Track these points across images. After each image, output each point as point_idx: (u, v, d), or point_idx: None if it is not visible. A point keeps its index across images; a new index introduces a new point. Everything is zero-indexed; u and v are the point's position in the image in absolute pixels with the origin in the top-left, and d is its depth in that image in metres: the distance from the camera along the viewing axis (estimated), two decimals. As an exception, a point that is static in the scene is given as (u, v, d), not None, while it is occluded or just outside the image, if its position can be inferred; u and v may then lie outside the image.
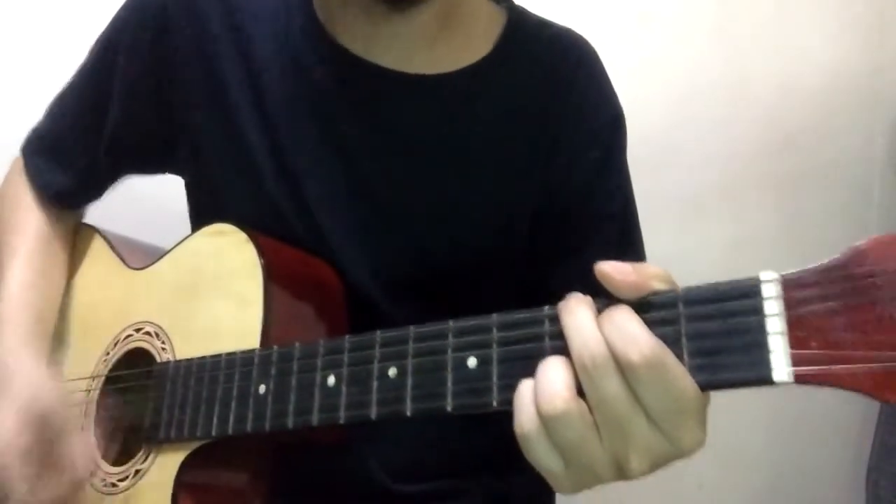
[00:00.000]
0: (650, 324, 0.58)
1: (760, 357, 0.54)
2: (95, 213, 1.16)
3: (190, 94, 1.01)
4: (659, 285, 0.59)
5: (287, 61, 0.98)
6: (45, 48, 1.50)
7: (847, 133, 1.87)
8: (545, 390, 0.59)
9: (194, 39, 1.00)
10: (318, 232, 0.97)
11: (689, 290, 0.58)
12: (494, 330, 0.65)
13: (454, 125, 0.98)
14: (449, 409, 0.66)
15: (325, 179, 0.97)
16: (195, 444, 0.86)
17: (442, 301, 0.91)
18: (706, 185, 1.80)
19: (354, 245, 0.97)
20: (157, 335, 0.95)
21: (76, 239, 1.14)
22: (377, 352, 0.72)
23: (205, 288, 0.94)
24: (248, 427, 0.80)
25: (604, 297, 0.61)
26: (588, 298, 0.61)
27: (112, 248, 1.10)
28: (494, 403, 0.64)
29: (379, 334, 0.72)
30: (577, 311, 0.60)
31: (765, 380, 0.54)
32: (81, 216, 1.16)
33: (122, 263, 1.07)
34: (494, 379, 0.64)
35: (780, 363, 0.53)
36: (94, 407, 0.99)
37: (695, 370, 0.57)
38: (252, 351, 0.83)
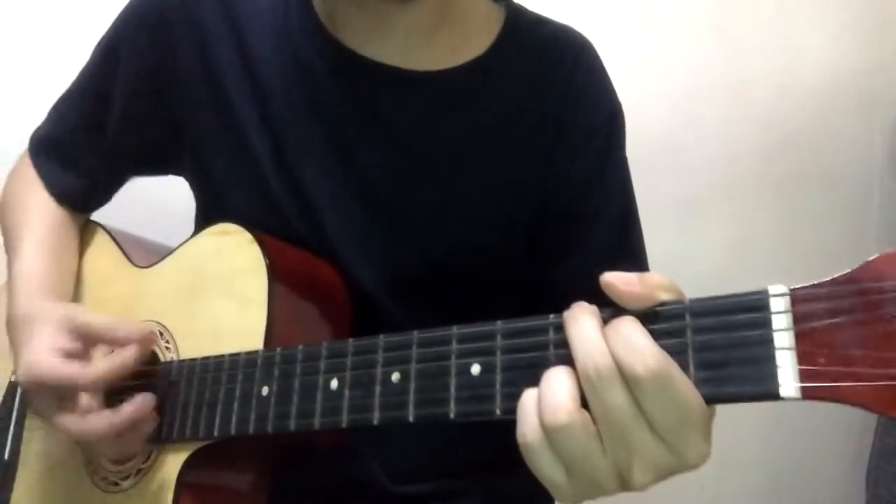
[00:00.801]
0: (656, 335, 0.57)
1: (768, 372, 0.53)
2: (101, 212, 1.16)
3: (190, 94, 1.01)
4: (665, 295, 0.59)
5: (286, 58, 0.98)
6: (45, 49, 1.50)
7: (847, 133, 1.87)
8: (549, 401, 0.59)
9: (194, 40, 1.00)
10: (320, 230, 0.97)
11: (695, 301, 0.58)
12: (499, 337, 0.65)
13: (453, 122, 0.98)
14: (452, 415, 0.66)
15: (325, 177, 0.97)
16: (198, 445, 0.86)
17: (442, 300, 0.92)
18: (706, 186, 1.80)
19: (355, 243, 0.97)
20: (161, 334, 0.95)
21: (82, 236, 1.14)
22: (380, 356, 0.72)
23: (209, 288, 0.94)
24: (251, 428, 0.80)
25: (609, 307, 0.60)
26: (593, 308, 0.61)
27: (117, 245, 1.10)
28: (498, 411, 0.64)
29: (382, 338, 0.72)
30: (581, 321, 0.60)
31: (772, 395, 0.53)
32: (88, 215, 1.16)
33: (127, 261, 1.07)
34: (498, 387, 0.64)
35: (788, 378, 0.53)
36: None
37: (700, 383, 0.56)
38: (256, 352, 0.83)
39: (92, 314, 0.92)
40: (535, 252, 1.01)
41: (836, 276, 0.53)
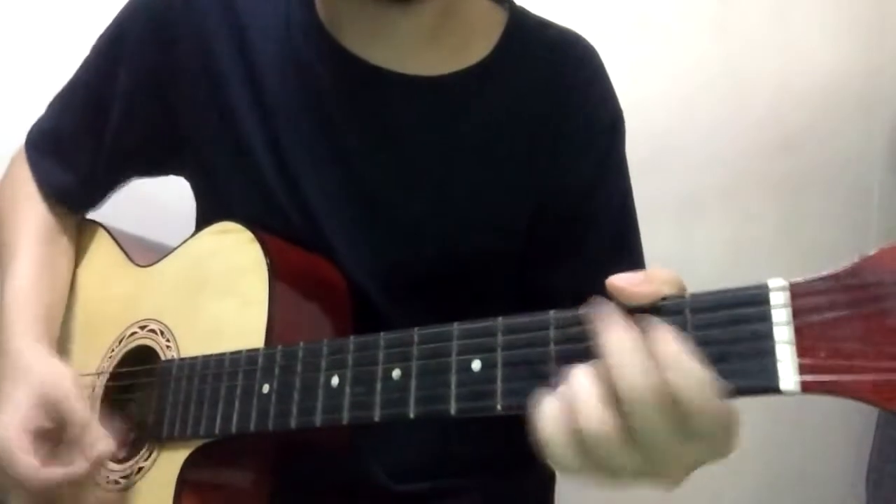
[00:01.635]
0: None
1: (767, 365, 0.54)
2: (101, 211, 1.15)
3: (190, 93, 1.01)
4: (668, 290, 0.59)
5: (287, 60, 0.98)
6: (45, 47, 1.50)
7: (847, 133, 1.87)
8: (580, 405, 0.58)
9: (195, 40, 1.00)
10: (319, 231, 0.97)
11: (696, 296, 0.58)
12: (499, 333, 0.65)
13: (453, 126, 0.98)
14: (452, 412, 0.66)
15: (325, 179, 0.97)
16: (198, 443, 0.86)
17: (441, 301, 0.92)
18: (706, 186, 1.80)
19: (353, 245, 0.97)
20: (161, 333, 0.96)
21: (81, 235, 1.14)
22: (381, 353, 0.72)
23: (210, 286, 0.94)
24: (252, 426, 0.81)
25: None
26: (622, 312, 0.59)
27: (117, 244, 1.10)
28: (499, 407, 0.64)
29: (383, 336, 0.72)
30: (618, 331, 0.58)
31: (772, 388, 0.53)
32: (84, 214, 1.16)
33: (127, 260, 1.07)
34: (499, 383, 0.64)
35: (788, 372, 0.53)
36: (98, 404, 0.99)
37: None
38: (256, 350, 0.84)
39: (71, 395, 0.91)
40: (532, 256, 1.01)
41: (836, 270, 0.53)
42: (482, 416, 0.65)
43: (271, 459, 0.91)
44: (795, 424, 1.80)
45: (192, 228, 1.05)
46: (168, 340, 0.94)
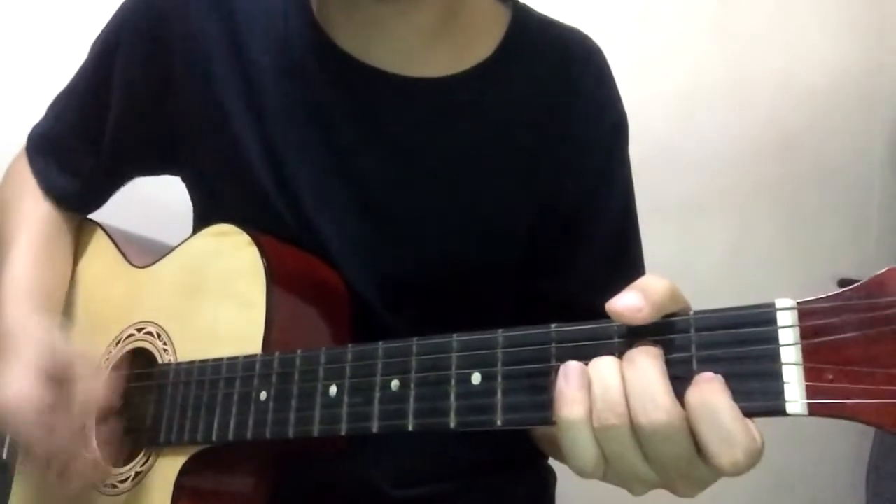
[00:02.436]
0: (661, 348, 0.57)
1: (774, 388, 0.53)
2: (100, 211, 1.15)
3: (186, 97, 1.00)
4: (670, 305, 0.58)
5: (284, 63, 0.97)
6: (45, 48, 1.49)
7: (847, 133, 1.87)
8: (605, 395, 0.58)
9: (190, 42, 0.99)
10: (317, 236, 0.96)
11: (700, 314, 0.57)
12: (500, 346, 0.64)
13: (453, 129, 0.97)
14: (452, 425, 0.66)
15: (321, 182, 0.96)
16: (195, 449, 0.86)
17: (439, 306, 0.91)
18: (706, 185, 1.80)
19: (352, 249, 0.96)
20: (158, 336, 0.95)
21: (79, 235, 1.14)
22: (380, 364, 0.71)
23: (207, 289, 0.93)
24: (249, 433, 0.80)
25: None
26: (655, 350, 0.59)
27: (115, 244, 1.09)
28: (499, 422, 0.63)
29: (382, 345, 0.72)
30: (644, 365, 0.57)
31: (778, 411, 0.53)
32: (84, 216, 1.16)
33: (124, 261, 1.06)
34: (499, 396, 0.63)
35: (795, 395, 0.52)
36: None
37: None
38: (254, 356, 0.83)
39: (69, 349, 0.91)
40: (533, 261, 1.00)
41: (844, 290, 0.52)
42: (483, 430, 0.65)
43: (269, 466, 0.91)
44: (795, 424, 1.80)
45: (191, 229, 1.05)
46: (165, 343, 0.94)
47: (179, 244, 1.00)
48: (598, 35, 1.05)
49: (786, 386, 0.53)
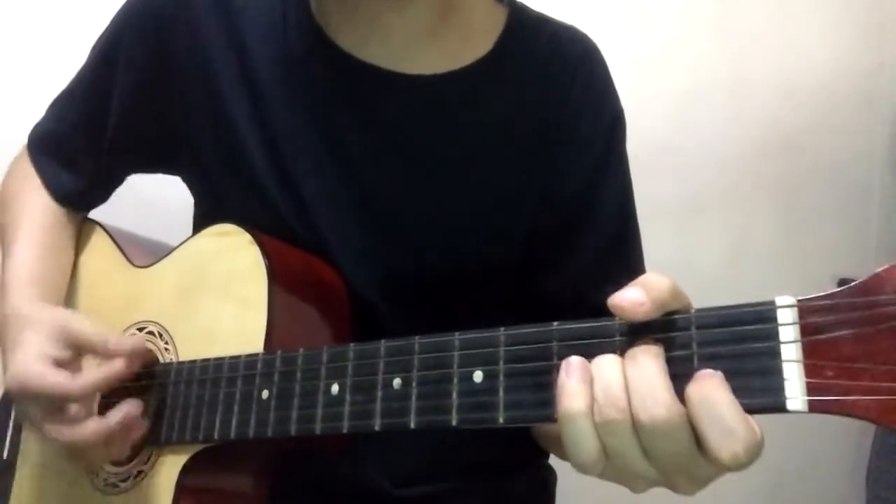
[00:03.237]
0: (662, 345, 0.57)
1: (775, 384, 0.53)
2: (100, 210, 1.15)
3: (187, 96, 1.00)
4: (672, 301, 0.59)
5: (283, 61, 0.98)
6: (45, 48, 1.49)
7: (847, 133, 1.87)
8: (607, 390, 0.58)
9: (191, 40, 0.99)
10: (317, 233, 0.96)
11: (701, 312, 0.57)
12: (502, 345, 0.64)
13: (451, 126, 0.97)
14: (454, 423, 0.66)
15: (323, 181, 0.97)
16: (197, 448, 0.86)
17: (437, 306, 0.91)
18: (706, 185, 1.80)
19: (353, 247, 0.97)
20: (160, 335, 0.95)
21: (80, 235, 1.14)
22: (381, 362, 0.71)
23: (208, 289, 0.93)
24: (251, 432, 0.80)
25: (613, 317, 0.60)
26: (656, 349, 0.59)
27: (116, 245, 1.09)
28: (501, 420, 0.63)
29: (383, 344, 0.72)
30: (645, 363, 0.58)
31: (778, 407, 0.53)
32: (86, 213, 1.16)
33: (126, 261, 1.06)
34: (501, 394, 0.64)
35: (795, 391, 0.52)
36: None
37: None
38: (256, 355, 0.83)
39: (84, 322, 0.91)
40: (533, 257, 1.00)
41: (843, 287, 0.52)
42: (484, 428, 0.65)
43: (270, 465, 0.91)
44: (795, 424, 1.79)
45: (191, 229, 1.05)
46: (166, 343, 0.94)
47: (180, 244, 1.00)
48: (597, 35, 1.05)
49: (786, 383, 0.53)
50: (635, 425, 0.57)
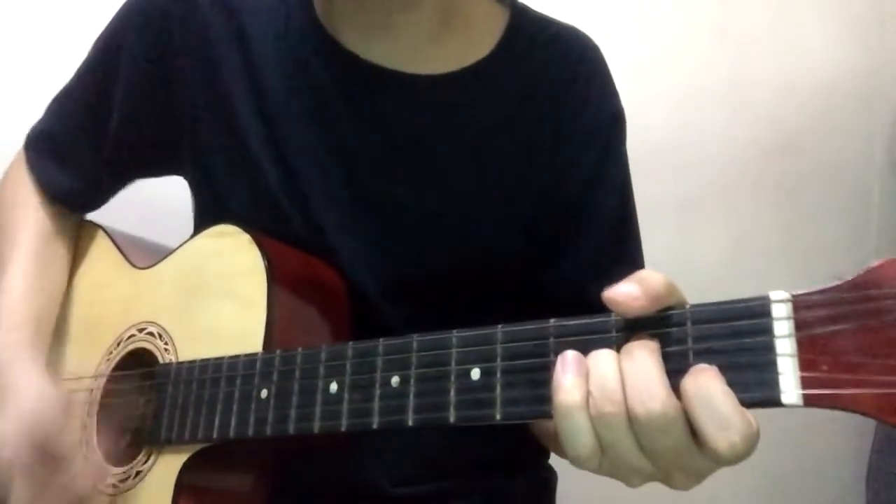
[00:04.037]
0: (658, 340, 0.58)
1: (769, 378, 0.53)
2: (101, 211, 1.15)
3: (190, 96, 1.01)
4: (667, 297, 0.59)
5: (287, 62, 0.98)
6: (45, 48, 1.50)
7: (847, 133, 1.87)
8: (603, 384, 0.58)
9: (194, 39, 1.00)
10: (318, 232, 0.96)
11: (696, 307, 0.58)
12: (499, 341, 0.65)
13: (454, 125, 0.97)
14: (452, 420, 0.66)
15: (326, 180, 0.97)
16: (196, 447, 0.86)
17: (439, 304, 0.91)
18: (706, 186, 1.80)
19: (354, 246, 0.97)
20: (159, 336, 0.95)
21: (80, 236, 1.14)
22: (380, 360, 0.71)
23: (208, 289, 0.94)
24: (250, 431, 0.80)
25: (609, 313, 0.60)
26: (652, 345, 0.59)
27: (116, 246, 1.10)
28: (498, 416, 0.64)
29: (382, 342, 0.72)
30: (641, 358, 0.58)
31: (773, 401, 0.53)
32: (84, 215, 1.16)
33: (126, 262, 1.07)
34: (498, 391, 0.64)
35: (790, 385, 0.53)
36: (96, 407, 0.98)
37: None
38: (255, 354, 0.83)
39: (62, 427, 0.90)
40: (533, 255, 1.01)
41: (838, 282, 0.52)
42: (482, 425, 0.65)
43: (269, 464, 0.91)
44: (795, 424, 1.80)
45: (192, 229, 1.05)
46: (166, 343, 0.94)
47: (180, 245, 1.01)
48: (597, 35, 1.06)
49: (780, 377, 0.53)
50: (631, 419, 0.57)
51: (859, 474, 1.74)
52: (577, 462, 0.61)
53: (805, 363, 0.52)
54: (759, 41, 1.82)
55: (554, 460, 1.10)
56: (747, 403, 0.55)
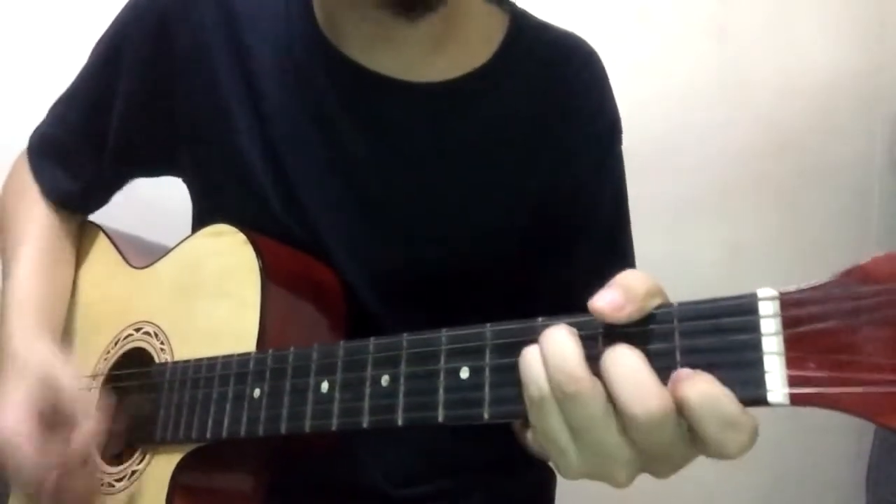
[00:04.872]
0: (644, 339, 0.57)
1: (755, 377, 0.53)
2: (100, 211, 1.16)
3: (190, 102, 1.01)
4: (653, 301, 0.58)
5: (287, 69, 0.98)
6: (45, 48, 1.50)
7: (847, 133, 1.87)
8: (562, 364, 0.57)
9: (193, 43, 1.00)
10: (314, 233, 0.97)
11: (683, 305, 0.57)
12: (488, 341, 0.64)
13: (455, 132, 0.98)
14: (440, 419, 0.65)
15: (324, 186, 0.97)
16: (191, 447, 0.86)
17: (434, 307, 0.92)
18: (705, 186, 1.80)
19: (352, 250, 0.97)
20: (156, 335, 0.95)
21: (80, 236, 1.14)
22: (370, 359, 0.71)
23: (203, 289, 0.94)
24: (242, 430, 0.80)
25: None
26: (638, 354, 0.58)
27: (115, 245, 1.10)
28: (486, 416, 0.63)
29: (373, 341, 0.72)
30: (628, 362, 0.56)
31: (760, 400, 0.52)
32: (86, 216, 1.16)
33: (124, 262, 1.07)
34: (487, 390, 0.63)
35: (776, 384, 0.52)
36: (93, 406, 0.99)
37: None
38: (248, 354, 0.83)
39: (69, 379, 0.92)
40: (527, 259, 1.01)
41: (826, 279, 0.52)
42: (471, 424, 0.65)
43: (264, 464, 0.91)
44: (795, 424, 1.80)
45: (190, 229, 1.05)
46: (162, 343, 0.94)
47: (177, 244, 1.01)
48: (596, 36, 1.06)
49: (767, 375, 0.52)
50: (626, 420, 0.56)
51: (859, 474, 1.74)
52: (556, 459, 0.61)
53: (792, 361, 0.51)
54: (759, 41, 1.82)
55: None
56: None
